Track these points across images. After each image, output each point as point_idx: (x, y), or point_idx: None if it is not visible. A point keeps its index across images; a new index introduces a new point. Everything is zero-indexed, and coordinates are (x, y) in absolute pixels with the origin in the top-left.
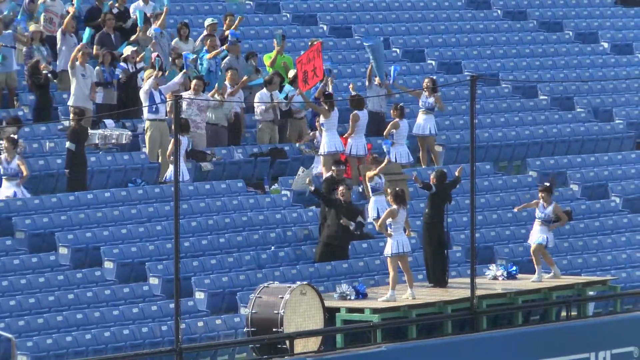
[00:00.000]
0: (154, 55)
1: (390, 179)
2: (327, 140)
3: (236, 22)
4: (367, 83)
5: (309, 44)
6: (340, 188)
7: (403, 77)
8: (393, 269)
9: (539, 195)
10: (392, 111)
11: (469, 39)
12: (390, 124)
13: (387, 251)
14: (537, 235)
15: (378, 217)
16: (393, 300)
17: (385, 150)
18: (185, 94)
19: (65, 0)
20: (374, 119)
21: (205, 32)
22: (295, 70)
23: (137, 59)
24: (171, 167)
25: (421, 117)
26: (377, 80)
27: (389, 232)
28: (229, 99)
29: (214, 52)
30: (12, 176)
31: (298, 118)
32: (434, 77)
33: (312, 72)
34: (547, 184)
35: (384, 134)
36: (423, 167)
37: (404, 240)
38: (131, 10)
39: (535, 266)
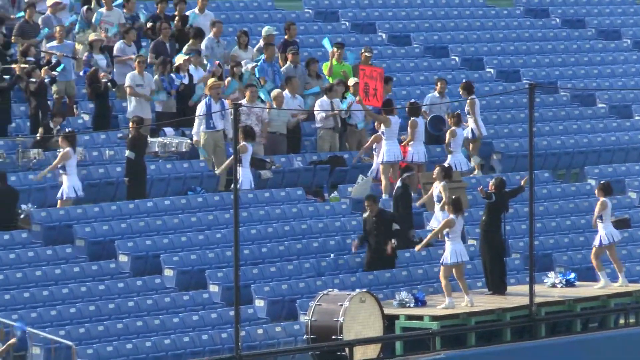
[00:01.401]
0: (215, 63)
1: (449, 187)
2: (386, 149)
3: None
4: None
5: (361, 52)
6: (366, 203)
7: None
8: (444, 277)
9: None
10: (448, 119)
11: (527, 47)
12: (447, 132)
13: (446, 260)
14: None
15: None
16: (452, 307)
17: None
18: (244, 102)
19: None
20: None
21: (262, 42)
22: (355, 79)
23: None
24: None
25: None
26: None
27: (447, 241)
28: (287, 108)
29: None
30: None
31: (357, 129)
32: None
33: (373, 90)
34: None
35: (445, 143)
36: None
37: (462, 249)
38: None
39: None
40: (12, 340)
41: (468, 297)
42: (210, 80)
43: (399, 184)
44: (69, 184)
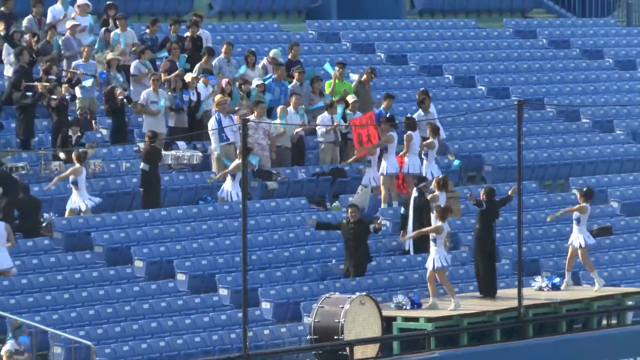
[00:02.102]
0: (224, 81)
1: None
2: (387, 163)
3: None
4: None
5: (365, 71)
6: (349, 210)
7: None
8: (431, 283)
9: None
10: (427, 131)
11: (516, 66)
12: (424, 143)
13: (430, 265)
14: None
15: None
16: (435, 307)
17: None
18: (251, 118)
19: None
20: None
21: (267, 61)
22: (353, 98)
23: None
24: (223, 186)
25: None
26: None
27: (432, 246)
28: (291, 123)
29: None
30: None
31: None
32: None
33: (366, 137)
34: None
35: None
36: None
37: (445, 254)
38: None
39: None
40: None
41: (454, 301)
42: (218, 97)
43: (415, 193)
44: (81, 198)
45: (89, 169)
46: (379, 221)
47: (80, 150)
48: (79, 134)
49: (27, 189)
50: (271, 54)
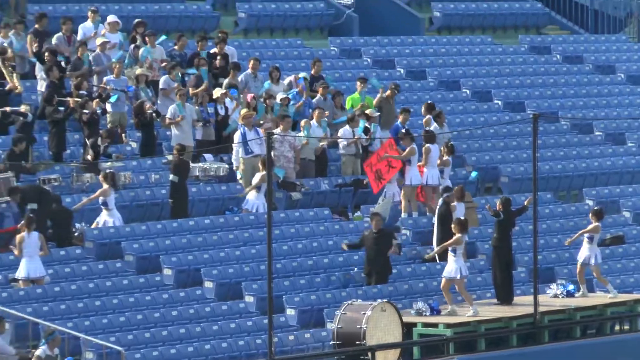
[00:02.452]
0: (249, 96)
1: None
2: (412, 175)
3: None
4: None
5: (390, 86)
6: (373, 220)
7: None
8: (445, 289)
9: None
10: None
11: (531, 81)
12: (441, 161)
13: (449, 274)
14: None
15: None
16: (454, 314)
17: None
18: (276, 131)
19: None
20: None
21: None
22: (376, 112)
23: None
24: (247, 198)
25: None
26: None
27: (451, 256)
28: (314, 136)
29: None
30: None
31: None
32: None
33: (386, 167)
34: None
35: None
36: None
37: (463, 265)
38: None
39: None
40: None
41: (472, 308)
42: (244, 111)
43: (440, 202)
44: (112, 219)
45: (119, 181)
46: (394, 245)
47: (107, 171)
48: (107, 144)
49: (59, 200)
50: (300, 75)
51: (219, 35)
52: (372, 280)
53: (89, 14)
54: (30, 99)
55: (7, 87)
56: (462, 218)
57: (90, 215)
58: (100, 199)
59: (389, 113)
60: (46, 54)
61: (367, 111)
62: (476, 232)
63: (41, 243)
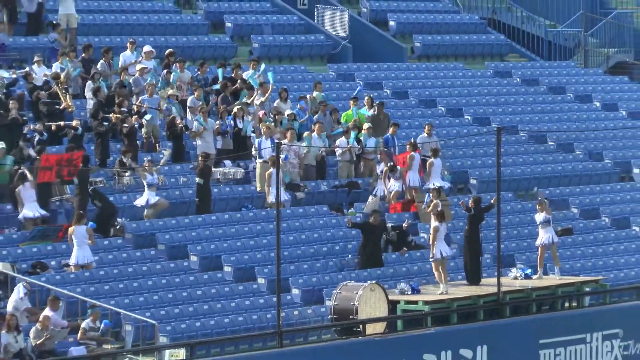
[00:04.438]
0: (261, 112)
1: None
2: (412, 178)
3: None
4: None
5: (376, 103)
6: (372, 216)
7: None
8: (436, 269)
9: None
10: (430, 153)
11: (495, 99)
12: (427, 163)
13: (435, 256)
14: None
15: None
16: (446, 292)
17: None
18: (284, 141)
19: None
20: None
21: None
22: (367, 125)
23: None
24: (268, 197)
25: None
26: None
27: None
28: (315, 145)
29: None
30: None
31: (369, 159)
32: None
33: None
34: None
35: (426, 172)
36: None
37: (446, 247)
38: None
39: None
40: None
41: (444, 286)
42: (265, 125)
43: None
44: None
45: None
46: (406, 223)
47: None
48: (130, 159)
49: (104, 197)
50: (317, 96)
51: (236, 62)
52: (363, 262)
53: (129, 44)
54: (79, 115)
55: (61, 106)
56: (439, 210)
57: (129, 212)
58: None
59: (378, 126)
60: (94, 77)
61: (365, 125)
62: (450, 225)
63: (89, 234)
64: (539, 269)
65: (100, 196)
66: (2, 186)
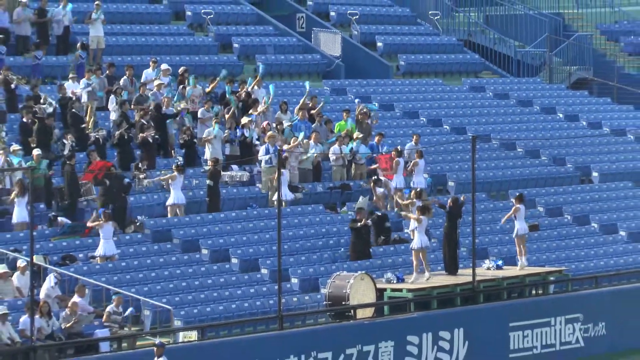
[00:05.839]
0: (265, 123)
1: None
2: (398, 180)
3: (320, 105)
4: None
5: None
6: (358, 213)
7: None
8: (415, 259)
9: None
10: (416, 154)
11: (470, 111)
12: (412, 163)
13: (414, 245)
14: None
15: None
16: (417, 280)
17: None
18: (285, 147)
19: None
20: None
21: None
22: (357, 133)
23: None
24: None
25: None
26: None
27: (416, 233)
28: (312, 152)
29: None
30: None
31: (360, 163)
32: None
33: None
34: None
35: (409, 170)
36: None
37: (425, 239)
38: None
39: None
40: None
41: (428, 274)
42: (269, 133)
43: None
44: (175, 196)
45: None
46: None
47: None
48: (146, 166)
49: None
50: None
51: (243, 78)
52: (354, 256)
53: (151, 63)
54: (104, 125)
55: (85, 124)
56: (422, 205)
57: (149, 210)
58: (170, 181)
59: (365, 134)
60: (117, 92)
61: (355, 134)
62: (430, 222)
63: (114, 230)
64: (519, 257)
65: (115, 176)
66: (39, 187)
